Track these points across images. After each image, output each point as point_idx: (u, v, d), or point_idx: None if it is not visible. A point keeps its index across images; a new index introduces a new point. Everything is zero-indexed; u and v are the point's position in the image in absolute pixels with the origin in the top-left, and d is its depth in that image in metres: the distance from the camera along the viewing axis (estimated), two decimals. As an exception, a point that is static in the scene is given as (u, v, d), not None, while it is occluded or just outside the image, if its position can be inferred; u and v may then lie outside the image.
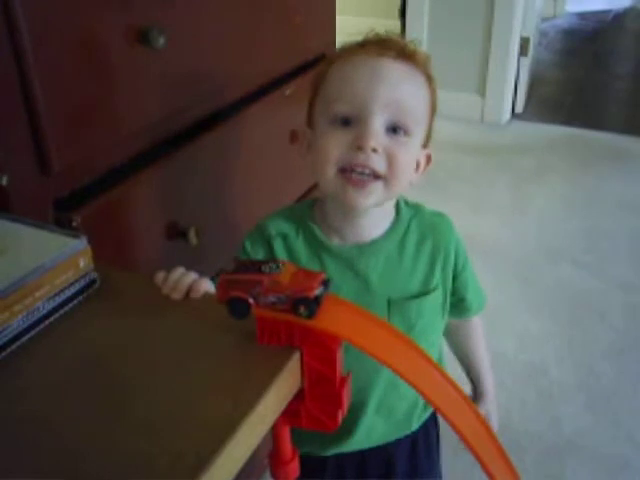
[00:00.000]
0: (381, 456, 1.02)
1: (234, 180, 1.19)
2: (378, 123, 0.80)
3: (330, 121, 0.82)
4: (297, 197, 1.38)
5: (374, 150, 0.80)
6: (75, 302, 0.69)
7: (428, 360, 0.66)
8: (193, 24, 1.03)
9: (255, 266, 0.64)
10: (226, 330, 0.65)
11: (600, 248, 2.50)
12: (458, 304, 1.00)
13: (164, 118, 1.01)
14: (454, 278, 0.97)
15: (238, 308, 0.63)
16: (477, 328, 1.08)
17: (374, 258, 0.90)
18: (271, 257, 0.90)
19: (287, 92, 1.28)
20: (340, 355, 0.64)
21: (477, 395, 1.09)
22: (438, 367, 0.67)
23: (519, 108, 3.74)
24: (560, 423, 1.75)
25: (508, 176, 3.06)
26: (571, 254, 2.46)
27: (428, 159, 0.91)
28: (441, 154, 3.18)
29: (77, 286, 0.69)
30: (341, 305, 0.65)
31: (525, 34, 3.56)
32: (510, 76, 3.57)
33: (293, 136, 1.30)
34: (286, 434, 0.70)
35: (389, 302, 0.90)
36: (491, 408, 1.09)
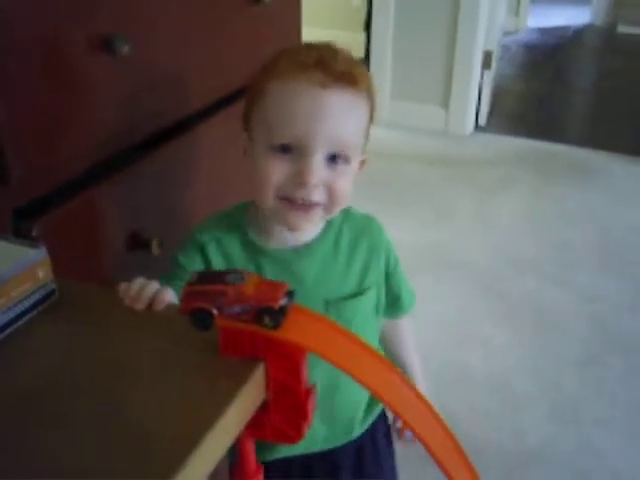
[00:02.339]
0: (327, 461, 1.02)
1: (197, 190, 1.17)
2: (319, 157, 0.81)
3: (269, 146, 0.82)
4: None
5: (315, 185, 0.81)
6: (33, 314, 0.67)
7: (393, 370, 0.65)
8: (158, 33, 1.02)
9: (219, 277, 0.63)
10: (189, 342, 0.64)
11: (565, 259, 2.53)
12: (394, 303, 1.03)
13: (127, 127, 1.00)
14: (388, 277, 0.99)
15: (201, 319, 0.62)
16: (408, 328, 1.11)
17: (310, 260, 0.91)
18: (206, 264, 0.90)
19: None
20: (305, 366, 0.63)
21: None
22: (404, 377, 0.66)
23: (482, 121, 3.79)
24: (524, 434, 1.76)
25: (472, 188, 3.09)
26: (536, 265, 2.49)
27: (362, 163, 0.91)
28: (405, 166, 3.22)
29: (35, 297, 0.67)
30: (306, 316, 0.64)
31: (488, 48, 3.61)
32: (473, 89, 3.61)
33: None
34: (250, 447, 0.69)
35: (326, 303, 0.91)
36: None
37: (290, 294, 0.63)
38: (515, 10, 5.84)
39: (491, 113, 3.90)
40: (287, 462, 1.00)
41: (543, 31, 6.07)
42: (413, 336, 1.12)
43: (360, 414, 1.01)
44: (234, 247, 0.91)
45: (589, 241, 2.66)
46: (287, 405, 0.64)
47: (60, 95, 0.88)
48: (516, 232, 2.73)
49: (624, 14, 6.04)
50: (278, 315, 0.60)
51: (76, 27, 0.87)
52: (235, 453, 0.69)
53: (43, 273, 0.68)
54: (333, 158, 0.82)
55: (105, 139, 0.97)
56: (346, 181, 0.85)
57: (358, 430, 1.02)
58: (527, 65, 5.14)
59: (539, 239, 2.68)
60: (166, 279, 0.79)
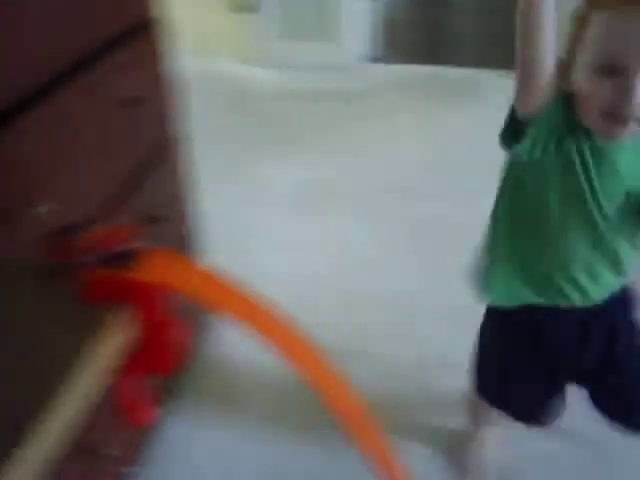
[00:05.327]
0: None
1: (67, 153, 1.17)
2: None
3: (594, 68, 0.93)
4: (133, 160, 1.39)
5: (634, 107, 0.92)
6: None
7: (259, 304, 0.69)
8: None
9: (70, 230, 0.66)
10: (50, 293, 0.66)
11: (460, 181, 2.62)
12: None
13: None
14: None
15: (60, 271, 0.64)
16: None
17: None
18: None
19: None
20: (167, 303, 0.67)
21: None
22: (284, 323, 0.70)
23: (376, 51, 3.81)
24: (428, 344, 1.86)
25: (366, 119, 3.15)
26: (429, 189, 2.58)
27: None
28: (299, 104, 3.24)
29: None
30: (162, 257, 0.67)
31: (371, -22, 3.62)
32: (362, 21, 3.63)
33: (126, 102, 1.30)
34: (128, 385, 0.73)
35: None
36: None
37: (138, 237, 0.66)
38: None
39: (384, 43, 3.93)
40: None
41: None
42: None
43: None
44: None
45: (485, 162, 2.74)
46: (154, 341, 0.68)
47: None
48: (407, 158, 2.81)
49: None
50: (128, 257, 0.64)
51: None
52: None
53: None
54: None
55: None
56: None
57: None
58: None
59: (430, 162, 2.76)
60: None
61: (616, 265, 1.11)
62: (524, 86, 1.00)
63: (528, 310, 1.17)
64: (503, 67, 3.55)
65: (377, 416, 0.73)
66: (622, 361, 1.20)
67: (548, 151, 1.02)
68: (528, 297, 1.16)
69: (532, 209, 1.09)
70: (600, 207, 1.04)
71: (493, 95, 3.25)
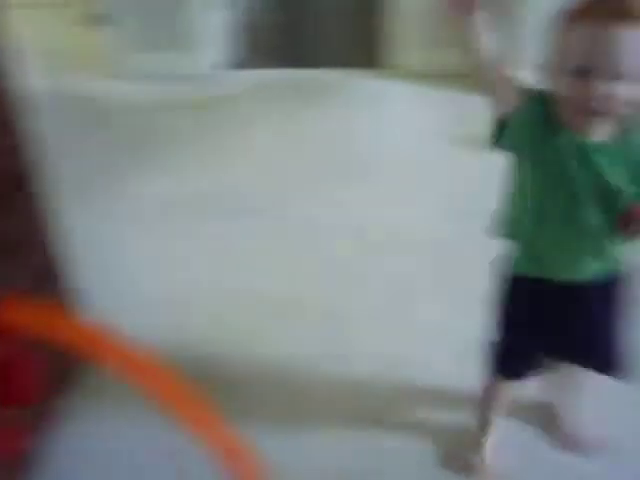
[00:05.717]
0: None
1: None
2: (606, 80, 1.06)
3: (569, 70, 1.09)
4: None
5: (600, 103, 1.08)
6: None
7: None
8: None
9: None
10: None
11: (323, 180, 2.70)
12: None
13: None
14: None
15: None
16: None
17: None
18: None
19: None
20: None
21: None
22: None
23: (237, 58, 3.84)
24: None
25: (229, 124, 3.18)
26: (295, 192, 2.65)
27: None
28: (158, 117, 3.22)
29: None
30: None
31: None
32: (218, 28, 3.64)
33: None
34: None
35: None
36: None
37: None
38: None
39: (245, 49, 3.96)
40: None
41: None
42: None
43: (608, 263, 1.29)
44: None
45: (339, 157, 2.85)
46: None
47: None
48: (276, 161, 2.87)
49: None
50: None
51: None
52: None
53: None
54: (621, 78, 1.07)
55: None
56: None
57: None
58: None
59: (296, 161, 2.84)
60: None
61: (599, 252, 1.27)
62: (488, 91, 1.18)
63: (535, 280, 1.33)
64: (362, 67, 3.68)
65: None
66: (595, 317, 1.36)
67: (529, 146, 1.19)
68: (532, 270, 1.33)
69: (530, 194, 1.25)
70: (581, 200, 1.20)
71: (353, 95, 3.37)
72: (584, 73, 1.08)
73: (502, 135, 1.19)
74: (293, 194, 2.62)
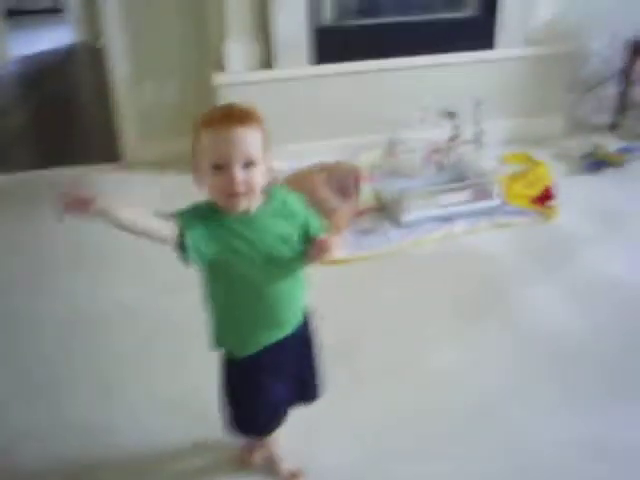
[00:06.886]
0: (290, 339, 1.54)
1: None
2: (239, 168, 1.31)
3: (210, 168, 1.32)
4: None
5: (240, 186, 1.32)
6: None
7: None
8: None
9: None
10: None
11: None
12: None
13: None
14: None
15: None
16: None
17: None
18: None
19: None
20: None
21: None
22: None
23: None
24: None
25: None
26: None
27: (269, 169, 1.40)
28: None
29: None
30: None
31: None
32: None
33: None
34: None
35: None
36: None
37: None
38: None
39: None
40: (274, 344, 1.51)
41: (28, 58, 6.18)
42: None
43: (300, 314, 1.54)
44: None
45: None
46: None
47: None
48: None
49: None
50: None
51: None
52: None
53: None
54: (247, 165, 1.32)
55: None
56: (257, 177, 1.34)
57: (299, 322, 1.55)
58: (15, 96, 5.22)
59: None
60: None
61: (293, 305, 1.52)
62: (161, 241, 1.31)
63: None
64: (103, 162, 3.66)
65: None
66: (303, 359, 1.62)
67: (211, 245, 1.35)
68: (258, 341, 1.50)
69: (229, 286, 1.44)
70: (259, 265, 1.40)
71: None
72: (220, 167, 1.31)
73: (185, 250, 1.31)
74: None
